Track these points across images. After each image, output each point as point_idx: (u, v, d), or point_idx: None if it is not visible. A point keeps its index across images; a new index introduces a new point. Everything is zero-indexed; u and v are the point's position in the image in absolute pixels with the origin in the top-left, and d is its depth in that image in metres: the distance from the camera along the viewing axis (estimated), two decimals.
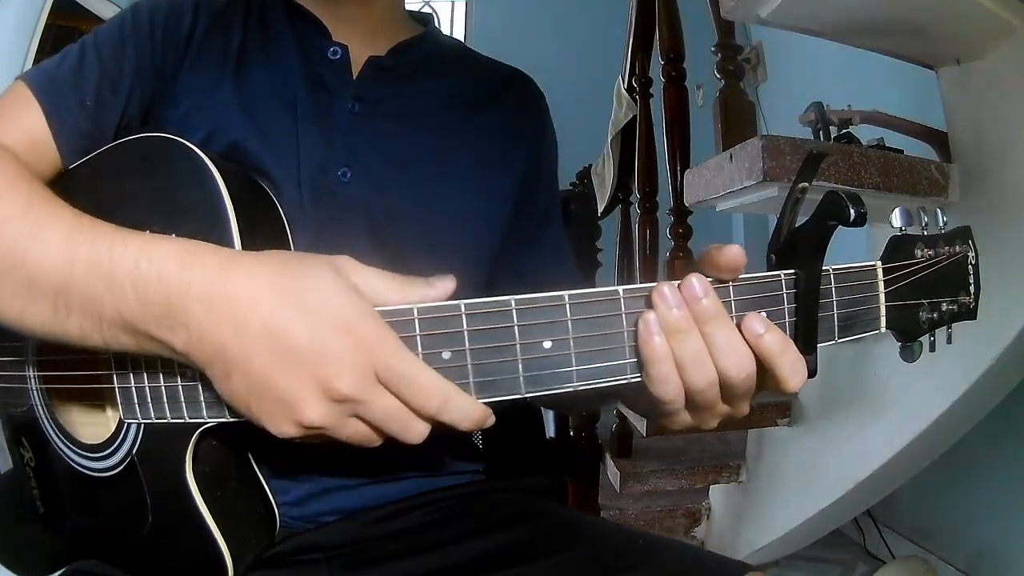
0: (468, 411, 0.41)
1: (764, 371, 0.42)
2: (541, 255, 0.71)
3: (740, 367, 0.41)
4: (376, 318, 0.40)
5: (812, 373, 0.43)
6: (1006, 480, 1.60)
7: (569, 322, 0.41)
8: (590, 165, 2.38)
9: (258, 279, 0.40)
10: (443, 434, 0.49)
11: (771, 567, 1.82)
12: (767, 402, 1.58)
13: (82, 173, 0.58)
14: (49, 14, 2.00)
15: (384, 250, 0.60)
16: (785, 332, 0.43)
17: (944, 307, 0.47)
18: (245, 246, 0.48)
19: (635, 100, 2.05)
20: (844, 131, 1.44)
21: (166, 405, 0.47)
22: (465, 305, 0.41)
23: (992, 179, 1.10)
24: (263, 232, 0.53)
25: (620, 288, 0.41)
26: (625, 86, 2.13)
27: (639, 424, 1.59)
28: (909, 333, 0.47)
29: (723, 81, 1.59)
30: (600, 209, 2.31)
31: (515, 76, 0.76)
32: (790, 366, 0.41)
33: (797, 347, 0.42)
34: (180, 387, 0.46)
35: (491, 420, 0.42)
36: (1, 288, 0.44)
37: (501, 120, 0.71)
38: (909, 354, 0.48)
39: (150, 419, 0.49)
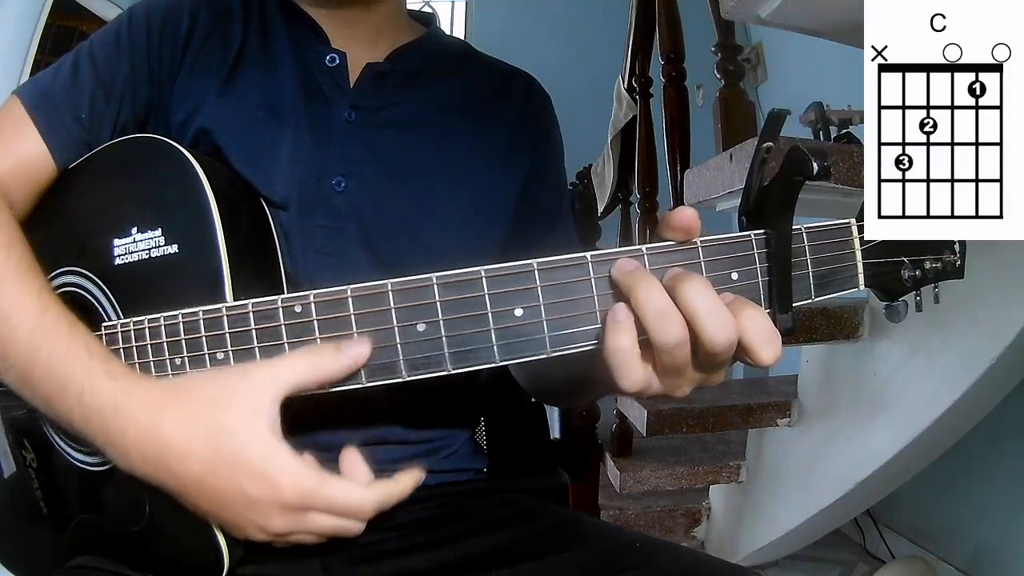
0: (393, 497, 0.47)
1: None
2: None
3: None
4: (292, 462, 0.44)
5: (790, 331, 0.43)
6: (1006, 480, 1.60)
7: (539, 289, 0.42)
8: (590, 165, 2.38)
9: (184, 436, 0.44)
10: (445, 429, 0.48)
11: (771, 567, 1.82)
12: (767, 402, 1.58)
13: (73, 173, 0.58)
14: (49, 14, 2.00)
15: (378, 259, 0.60)
16: (759, 292, 0.43)
17: (928, 265, 0.46)
18: (229, 244, 0.49)
19: (635, 100, 2.06)
20: (844, 131, 1.44)
21: None
22: (437, 277, 0.43)
23: None
24: (245, 232, 0.53)
25: (588, 254, 0.42)
26: (625, 86, 2.13)
27: (639, 424, 1.59)
28: (892, 292, 0.46)
29: (723, 81, 1.59)
30: (600, 209, 2.31)
31: (518, 78, 0.75)
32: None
33: (773, 307, 0.42)
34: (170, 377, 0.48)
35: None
36: None
37: (502, 125, 0.69)
38: (894, 314, 0.47)
39: None
